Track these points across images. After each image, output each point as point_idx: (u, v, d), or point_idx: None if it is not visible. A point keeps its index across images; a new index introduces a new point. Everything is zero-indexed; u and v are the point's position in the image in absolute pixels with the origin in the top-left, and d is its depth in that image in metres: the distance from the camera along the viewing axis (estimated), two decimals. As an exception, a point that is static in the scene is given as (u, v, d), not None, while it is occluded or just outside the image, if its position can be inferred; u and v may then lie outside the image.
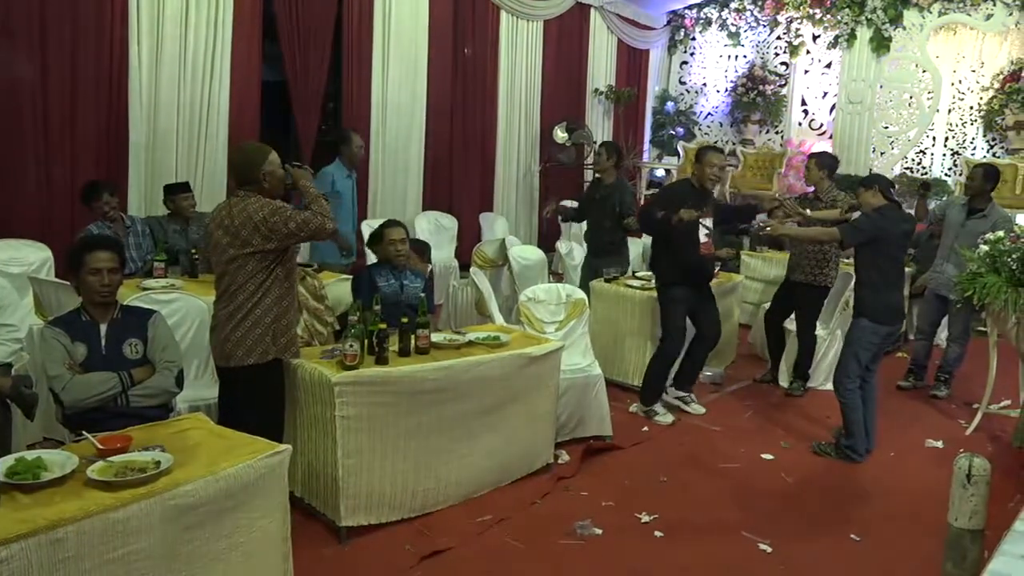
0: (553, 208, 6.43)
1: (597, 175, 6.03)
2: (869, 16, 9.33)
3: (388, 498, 3.39)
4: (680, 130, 10.87)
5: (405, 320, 3.58)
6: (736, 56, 10.59)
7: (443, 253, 7.46)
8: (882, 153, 9.50)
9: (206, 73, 6.08)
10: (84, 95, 5.44)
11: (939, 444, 4.71)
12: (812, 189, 5.51)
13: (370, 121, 7.35)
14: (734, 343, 6.24)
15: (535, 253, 6.45)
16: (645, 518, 3.62)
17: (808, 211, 5.07)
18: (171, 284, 4.30)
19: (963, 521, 2.37)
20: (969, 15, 8.81)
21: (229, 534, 2.41)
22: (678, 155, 10.56)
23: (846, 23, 9.51)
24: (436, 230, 7.74)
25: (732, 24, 10.49)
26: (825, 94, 9.97)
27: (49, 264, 4.79)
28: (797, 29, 9.97)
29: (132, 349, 3.03)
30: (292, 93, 6.78)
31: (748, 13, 10.32)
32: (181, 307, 3.90)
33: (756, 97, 10.13)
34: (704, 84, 10.90)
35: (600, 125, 10.32)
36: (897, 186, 8.61)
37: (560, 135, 9.15)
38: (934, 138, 9.24)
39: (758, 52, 10.37)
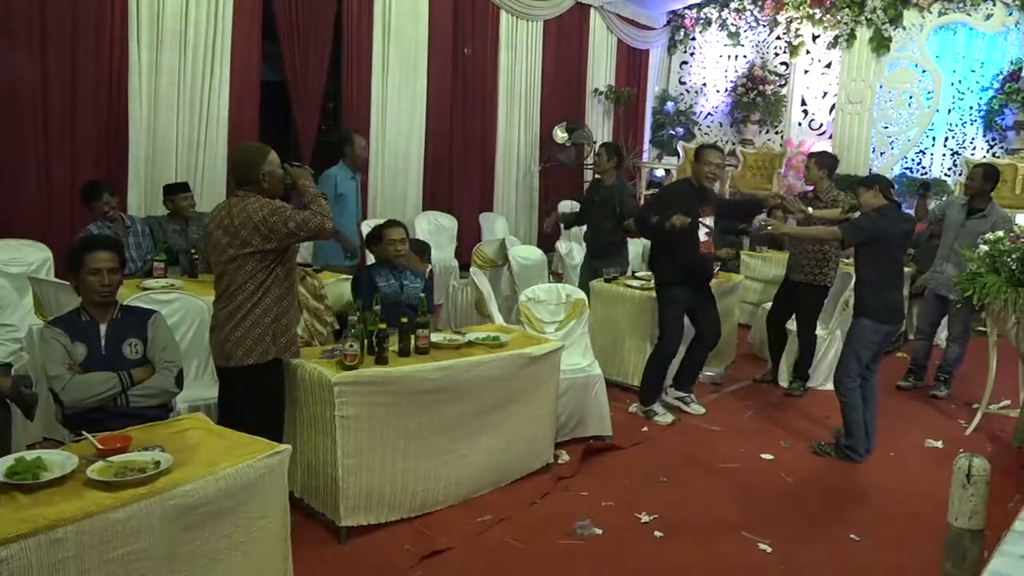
0: (554, 220, 6.45)
1: (597, 176, 6.03)
2: (869, 16, 9.34)
3: (388, 498, 3.39)
4: (680, 130, 10.88)
5: (405, 320, 3.58)
6: (736, 56, 10.59)
7: (443, 253, 7.46)
8: (882, 153, 9.51)
9: (206, 73, 6.08)
10: (84, 95, 5.44)
11: (939, 444, 4.71)
12: (811, 188, 5.51)
13: (370, 121, 7.35)
14: (734, 343, 6.24)
15: (535, 253, 6.45)
16: (645, 518, 3.62)
17: (810, 209, 5.07)
18: (171, 284, 4.31)
19: (963, 521, 2.37)
20: (969, 15, 8.82)
21: (229, 534, 2.40)
22: (678, 155, 10.56)
23: (846, 23, 9.51)
24: (436, 230, 7.74)
25: (732, 24, 10.50)
26: (825, 94, 9.97)
27: (49, 264, 4.79)
28: (797, 29, 9.98)
29: (132, 349, 3.03)
30: (292, 93, 6.78)
31: (748, 13, 10.32)
32: (181, 307, 3.90)
33: (756, 97, 10.14)
34: (704, 84, 10.91)
35: (600, 125, 10.32)
36: (896, 186, 8.66)
37: (560, 135, 9.16)
38: (934, 138, 9.25)
39: (758, 52, 10.38)
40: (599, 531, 3.49)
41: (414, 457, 3.43)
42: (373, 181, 7.45)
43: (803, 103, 10.15)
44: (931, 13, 9.01)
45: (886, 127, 9.51)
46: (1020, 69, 8.55)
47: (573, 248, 6.89)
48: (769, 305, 5.89)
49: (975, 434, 4.88)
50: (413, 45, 7.65)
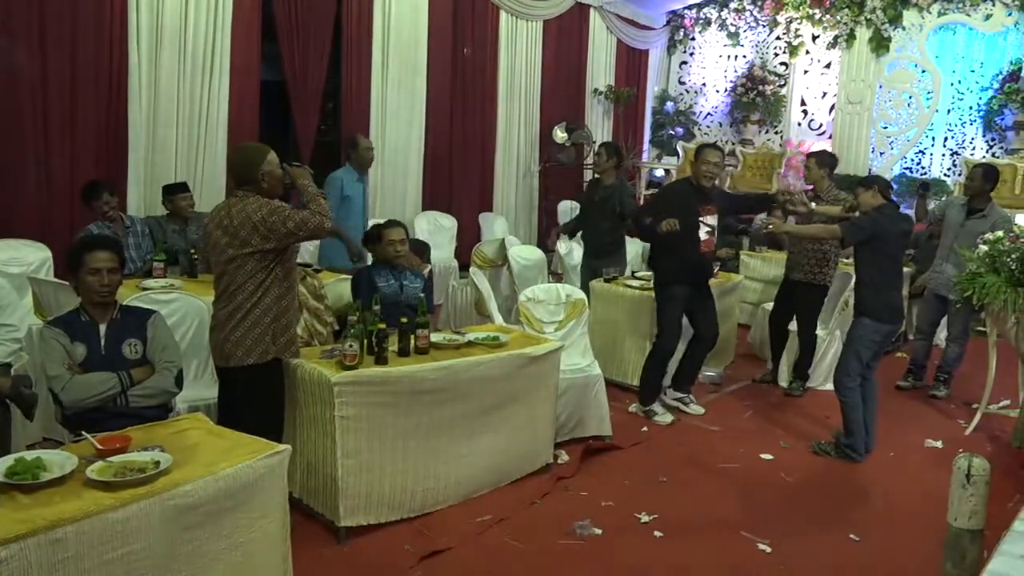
0: (556, 236, 6.44)
1: (597, 175, 6.03)
2: (868, 16, 9.34)
3: (387, 498, 3.39)
4: (679, 130, 10.88)
5: (404, 320, 3.58)
6: (735, 56, 10.60)
7: (442, 253, 7.46)
8: (881, 153, 9.51)
9: (205, 73, 6.08)
10: (84, 95, 5.44)
11: (938, 444, 4.71)
12: (811, 188, 5.51)
13: (369, 121, 7.35)
14: (733, 343, 6.24)
15: (534, 253, 6.45)
16: (645, 518, 3.62)
17: (814, 204, 5.07)
18: (170, 284, 4.31)
19: (962, 521, 2.37)
20: (968, 15, 8.82)
21: (228, 534, 2.40)
22: (677, 155, 10.57)
23: (845, 23, 9.52)
24: (435, 230, 7.74)
25: (732, 24, 10.50)
26: (824, 94, 9.98)
27: (48, 264, 4.79)
28: (796, 29, 9.98)
29: (131, 349, 3.03)
30: (291, 93, 6.78)
31: (747, 13, 10.33)
32: (180, 307, 3.90)
33: (755, 97, 10.14)
34: (703, 84, 10.91)
35: (599, 125, 10.32)
36: (896, 186, 8.67)
37: (560, 135, 9.16)
38: (933, 138, 9.25)
39: (757, 52, 10.38)
40: (599, 531, 3.48)
41: (414, 457, 3.43)
42: (373, 181, 7.42)
43: (803, 103, 10.15)
44: (931, 13, 9.02)
45: (886, 127, 9.51)
46: (1019, 69, 8.56)
47: (572, 248, 6.89)
48: (769, 305, 5.90)
49: (975, 434, 4.88)
50: (413, 45, 7.65)
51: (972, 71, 8.98)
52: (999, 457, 4.41)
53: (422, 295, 4.06)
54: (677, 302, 4.81)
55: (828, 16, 9.63)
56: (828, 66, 9.87)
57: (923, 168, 9.30)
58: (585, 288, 5.41)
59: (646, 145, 11.14)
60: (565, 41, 9.56)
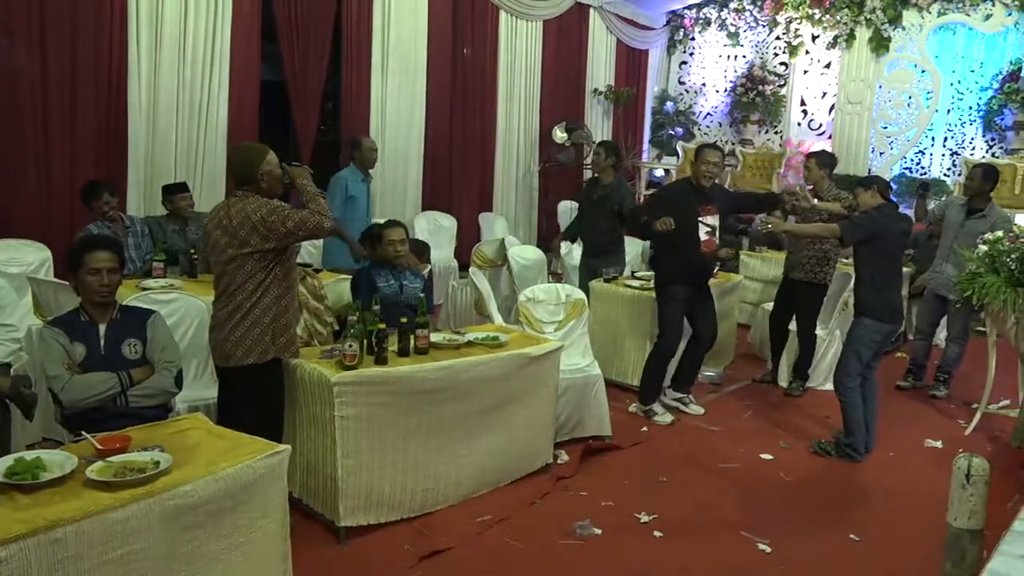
0: (557, 247, 6.43)
1: (595, 175, 6.01)
2: (868, 16, 9.34)
3: (387, 498, 3.39)
4: (679, 130, 10.89)
5: (404, 320, 3.58)
6: (735, 56, 10.60)
7: (442, 253, 7.46)
8: (881, 153, 9.52)
9: (205, 73, 6.08)
10: (83, 95, 5.44)
11: (938, 444, 4.71)
12: (811, 188, 5.51)
13: (369, 121, 7.35)
14: (733, 343, 6.24)
15: (534, 253, 6.45)
16: (644, 518, 3.62)
17: (815, 200, 5.07)
18: (170, 284, 4.31)
19: (962, 521, 2.37)
20: (968, 15, 8.82)
21: (228, 534, 2.40)
22: (677, 155, 10.57)
23: (845, 23, 9.51)
24: (435, 230, 7.74)
25: (731, 24, 10.50)
26: (824, 94, 9.98)
27: (48, 264, 4.79)
28: (796, 29, 9.98)
29: (131, 349, 3.03)
30: (291, 93, 6.78)
31: (747, 13, 10.33)
32: (180, 307, 3.90)
33: (755, 97, 10.14)
34: (703, 84, 10.91)
35: (599, 125, 10.32)
36: (896, 186, 8.68)
37: (559, 135, 9.16)
38: (933, 138, 9.25)
39: (757, 52, 10.38)
40: (598, 531, 3.48)
41: (414, 457, 3.43)
42: (372, 181, 7.44)
43: (802, 103, 10.15)
44: (930, 13, 9.01)
45: (885, 127, 9.51)
46: (1019, 69, 8.56)
47: (572, 248, 6.89)
48: (769, 305, 5.90)
49: (974, 434, 4.88)
50: (413, 45, 7.65)
51: (972, 71, 8.98)
52: (999, 457, 4.41)
53: (422, 295, 4.06)
54: (678, 302, 4.81)
55: (828, 16, 9.63)
56: (828, 66, 9.87)
57: (923, 168, 9.30)
58: (584, 288, 5.40)
59: (646, 145, 11.14)
60: (565, 41, 9.56)
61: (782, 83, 10.21)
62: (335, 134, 7.78)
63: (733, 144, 10.35)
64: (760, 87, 10.11)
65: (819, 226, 4.75)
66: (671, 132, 10.90)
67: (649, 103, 11.12)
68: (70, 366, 2.89)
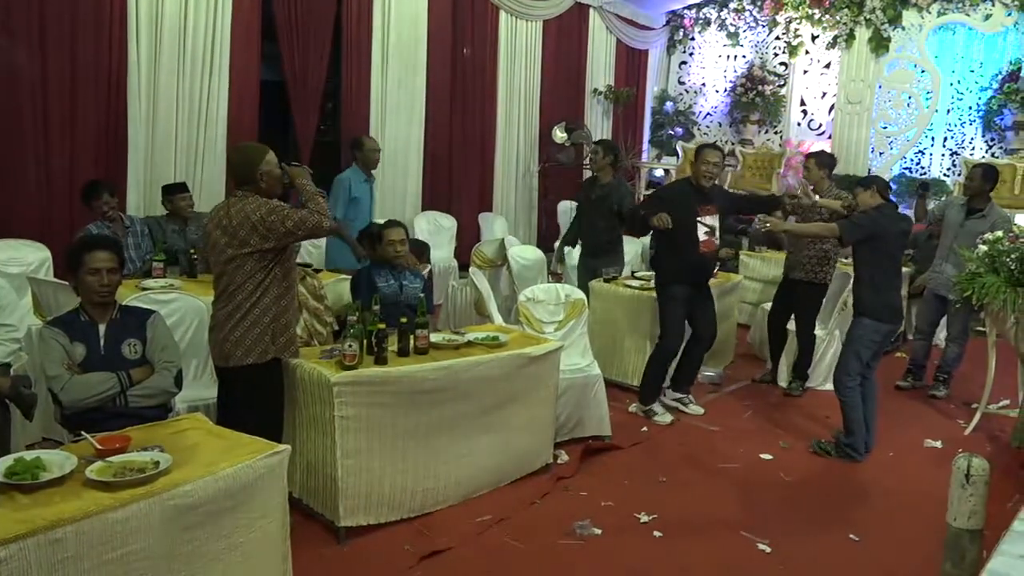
0: (559, 256, 6.42)
1: (594, 174, 6.00)
2: (868, 16, 9.34)
3: (387, 498, 3.39)
4: (679, 130, 10.89)
5: (404, 320, 3.58)
6: (735, 56, 10.60)
7: (442, 253, 7.46)
8: (881, 153, 9.52)
9: (205, 73, 6.08)
10: (83, 95, 5.44)
11: (938, 444, 4.71)
12: (810, 188, 5.50)
13: (369, 121, 7.34)
14: (732, 343, 6.24)
15: (534, 253, 6.45)
16: (644, 518, 3.62)
17: (817, 197, 5.07)
18: (170, 284, 4.31)
19: (962, 521, 2.37)
20: (968, 15, 8.82)
21: (228, 534, 2.40)
22: (677, 155, 10.57)
23: (845, 23, 9.51)
24: (435, 230, 7.74)
25: (731, 24, 10.50)
26: (824, 94, 9.98)
27: (48, 264, 4.79)
28: (796, 29, 9.98)
29: (131, 349, 3.03)
30: (291, 93, 6.78)
31: (747, 13, 10.33)
32: (180, 307, 3.90)
33: (755, 97, 10.14)
34: (703, 84, 10.91)
35: (599, 125, 10.32)
36: (895, 186, 8.68)
37: (559, 135, 9.16)
38: (933, 138, 9.25)
39: (757, 52, 10.38)
40: (598, 531, 3.49)
41: (413, 457, 3.43)
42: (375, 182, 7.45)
43: (802, 103, 10.15)
44: (930, 13, 9.02)
45: (885, 127, 9.51)
46: (1019, 69, 8.56)
47: (571, 249, 6.87)
48: (768, 305, 5.90)
49: (974, 434, 4.88)
50: (412, 45, 7.65)
51: (972, 71, 8.98)
52: (998, 457, 4.41)
53: (422, 295, 4.07)
54: (678, 302, 4.82)
55: (828, 16, 9.63)
56: (828, 66, 9.87)
57: (923, 168, 9.30)
58: (583, 287, 5.40)
59: (645, 145, 11.14)
60: (565, 41, 9.56)
61: (782, 83, 10.21)
62: (335, 134, 7.78)
63: (733, 144, 10.35)
64: (760, 87, 10.11)
65: (818, 226, 4.75)
66: (671, 132, 10.90)
67: (649, 103, 11.12)
68: (70, 366, 2.89)
